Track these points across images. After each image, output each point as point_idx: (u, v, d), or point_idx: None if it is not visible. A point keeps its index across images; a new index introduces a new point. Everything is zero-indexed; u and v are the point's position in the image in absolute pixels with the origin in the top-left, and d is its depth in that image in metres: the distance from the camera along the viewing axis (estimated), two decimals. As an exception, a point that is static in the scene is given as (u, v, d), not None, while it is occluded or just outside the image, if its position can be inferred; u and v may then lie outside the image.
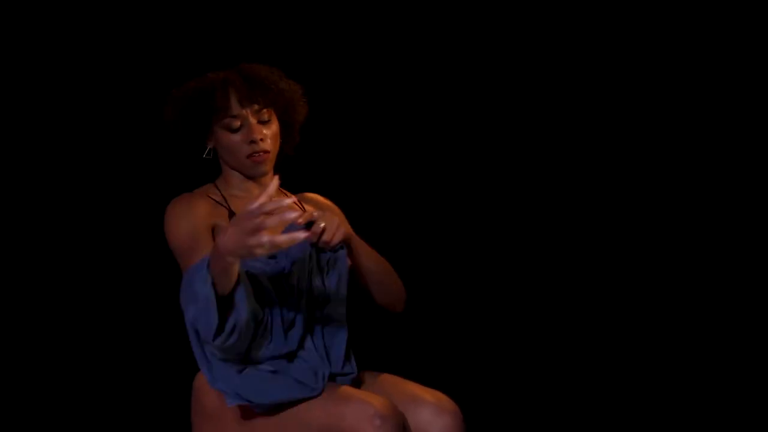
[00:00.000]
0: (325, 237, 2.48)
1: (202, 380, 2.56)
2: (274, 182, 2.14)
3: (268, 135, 2.58)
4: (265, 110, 2.57)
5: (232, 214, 2.56)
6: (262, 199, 2.11)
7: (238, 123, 2.55)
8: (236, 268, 2.23)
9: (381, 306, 2.72)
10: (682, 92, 4.05)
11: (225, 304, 2.26)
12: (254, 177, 2.62)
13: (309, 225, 2.48)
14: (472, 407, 2.65)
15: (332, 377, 2.53)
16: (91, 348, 3.83)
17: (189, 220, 2.49)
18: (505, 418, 3.84)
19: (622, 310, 3.97)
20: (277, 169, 2.68)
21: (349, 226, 2.63)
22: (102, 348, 3.84)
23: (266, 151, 2.57)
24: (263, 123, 2.58)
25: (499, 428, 3.72)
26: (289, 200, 2.09)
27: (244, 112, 2.55)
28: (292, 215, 2.09)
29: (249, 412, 2.47)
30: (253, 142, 2.55)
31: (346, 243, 2.56)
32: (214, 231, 2.51)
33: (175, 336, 2.80)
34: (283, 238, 2.12)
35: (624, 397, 3.91)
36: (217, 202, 2.59)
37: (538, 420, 3.92)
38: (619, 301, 3.97)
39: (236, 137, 2.56)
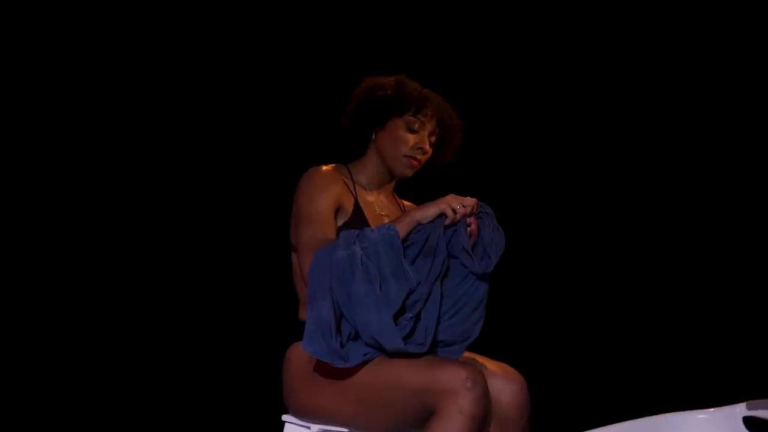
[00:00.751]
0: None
1: (293, 350, 2.76)
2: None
3: (428, 153, 2.91)
4: (435, 136, 2.92)
5: (356, 204, 2.84)
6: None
7: (418, 127, 2.88)
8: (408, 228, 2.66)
9: None
10: (683, 92, 4.27)
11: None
12: (395, 175, 2.94)
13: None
14: (531, 377, 2.83)
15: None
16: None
17: (326, 196, 2.78)
18: (561, 387, 4.11)
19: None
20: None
21: None
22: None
23: (420, 162, 2.90)
24: (431, 143, 2.92)
25: (555, 396, 4.00)
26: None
27: (428, 125, 2.89)
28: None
29: (345, 373, 2.63)
30: (419, 148, 2.88)
31: None
32: (337, 212, 2.80)
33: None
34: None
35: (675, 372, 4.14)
36: (347, 186, 2.86)
37: (589, 388, 4.19)
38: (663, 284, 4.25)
39: (410, 136, 2.87)
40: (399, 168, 2.90)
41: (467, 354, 2.80)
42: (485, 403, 2.50)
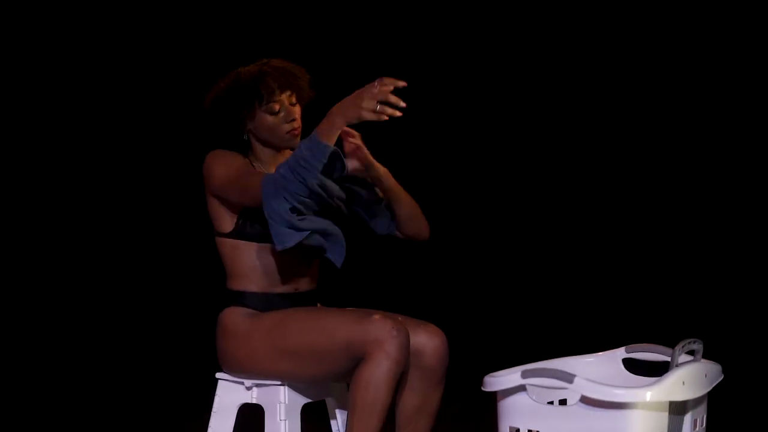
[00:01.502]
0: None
1: (226, 313, 3.07)
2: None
3: (299, 115, 3.08)
4: (294, 95, 3.07)
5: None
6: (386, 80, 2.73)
7: (278, 107, 3.04)
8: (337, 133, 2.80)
9: (407, 237, 3.18)
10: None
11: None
12: (287, 148, 3.11)
13: None
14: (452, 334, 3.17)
15: None
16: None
17: (240, 160, 3.04)
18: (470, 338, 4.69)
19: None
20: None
21: None
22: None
23: (298, 128, 3.08)
24: (293, 105, 3.07)
25: (474, 350, 4.50)
26: (402, 82, 2.72)
27: (282, 97, 3.04)
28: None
29: (280, 331, 2.94)
30: (293, 120, 3.05)
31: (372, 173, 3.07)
32: None
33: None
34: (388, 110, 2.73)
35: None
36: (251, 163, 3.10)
37: (491, 339, 4.87)
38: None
39: (277, 118, 3.04)
40: (287, 144, 3.08)
41: (395, 313, 3.12)
42: (407, 350, 2.84)
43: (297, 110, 3.08)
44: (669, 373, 2.54)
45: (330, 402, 3.25)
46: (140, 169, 4.75)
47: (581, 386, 2.48)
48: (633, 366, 2.89)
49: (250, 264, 3.07)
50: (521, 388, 2.58)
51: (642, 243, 4.81)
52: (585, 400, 2.48)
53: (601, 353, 2.93)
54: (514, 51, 4.79)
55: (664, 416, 2.52)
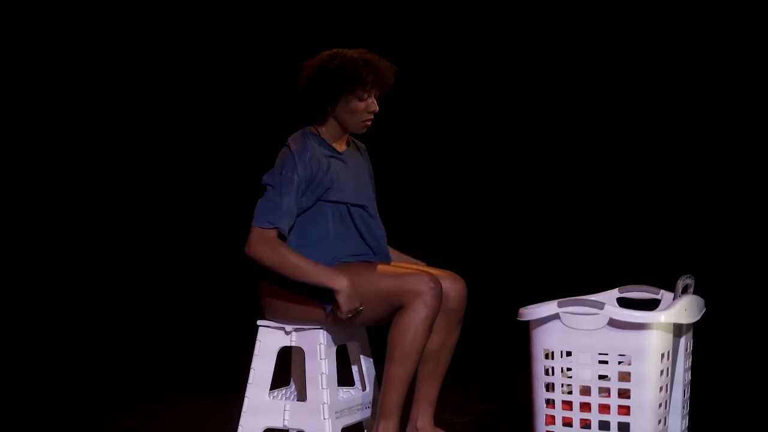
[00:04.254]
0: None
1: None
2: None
3: (377, 109, 3.44)
4: (379, 92, 3.44)
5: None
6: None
7: (367, 95, 3.40)
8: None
9: None
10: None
11: None
12: (352, 133, 3.49)
13: None
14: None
15: None
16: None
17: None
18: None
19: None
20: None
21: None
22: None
23: (372, 120, 3.45)
24: (376, 99, 3.45)
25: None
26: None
27: (374, 89, 3.42)
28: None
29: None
30: (372, 111, 3.43)
31: None
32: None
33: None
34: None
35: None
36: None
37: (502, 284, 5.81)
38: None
39: (362, 105, 3.40)
40: (356, 130, 3.46)
41: (422, 266, 3.57)
42: (441, 298, 3.29)
43: (377, 106, 3.43)
44: (676, 300, 3.10)
45: (353, 345, 3.67)
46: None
47: (610, 311, 3.00)
48: (626, 303, 3.41)
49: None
50: (555, 317, 3.08)
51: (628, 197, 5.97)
52: (612, 323, 3.00)
53: (599, 294, 3.45)
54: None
55: (670, 336, 3.07)
